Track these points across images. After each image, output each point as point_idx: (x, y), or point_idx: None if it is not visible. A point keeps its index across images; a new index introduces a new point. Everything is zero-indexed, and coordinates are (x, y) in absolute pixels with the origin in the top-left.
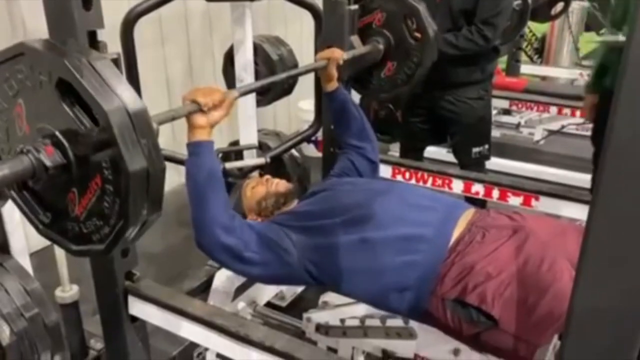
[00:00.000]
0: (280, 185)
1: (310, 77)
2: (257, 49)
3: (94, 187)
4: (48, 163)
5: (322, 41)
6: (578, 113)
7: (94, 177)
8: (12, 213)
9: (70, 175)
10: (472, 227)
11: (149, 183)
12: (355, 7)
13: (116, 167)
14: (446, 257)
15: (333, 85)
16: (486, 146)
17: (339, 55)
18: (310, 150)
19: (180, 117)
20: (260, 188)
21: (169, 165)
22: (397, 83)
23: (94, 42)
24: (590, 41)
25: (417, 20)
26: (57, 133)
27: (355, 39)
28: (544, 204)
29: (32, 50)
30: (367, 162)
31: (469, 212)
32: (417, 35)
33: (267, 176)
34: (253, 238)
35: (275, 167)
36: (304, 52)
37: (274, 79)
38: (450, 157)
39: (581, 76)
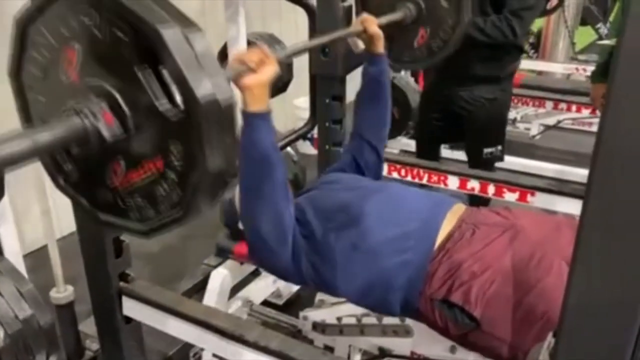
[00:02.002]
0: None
1: (306, 74)
2: (251, 47)
3: (151, 169)
4: (106, 134)
5: (316, 38)
6: (574, 108)
7: (154, 158)
8: (5, 213)
9: (125, 146)
10: (462, 223)
11: (219, 185)
12: (349, 3)
13: (190, 162)
14: (435, 256)
15: (380, 46)
16: (499, 147)
17: (371, 17)
18: (306, 148)
19: (233, 82)
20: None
21: None
22: (433, 50)
23: None
24: (586, 35)
25: None
26: (119, 98)
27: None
28: (540, 200)
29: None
30: (374, 157)
31: (458, 208)
32: None
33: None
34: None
35: None
36: None
37: (309, 45)
38: (446, 154)
39: (577, 71)
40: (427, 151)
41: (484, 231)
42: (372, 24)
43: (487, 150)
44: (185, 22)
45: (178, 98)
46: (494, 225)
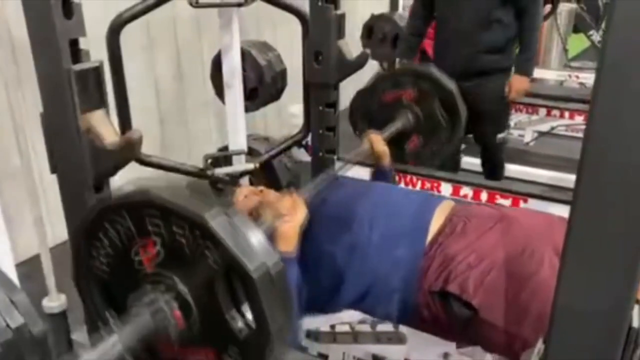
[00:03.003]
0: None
1: (299, 81)
2: (245, 55)
3: (202, 356)
4: (173, 334)
5: (309, 46)
6: (567, 114)
7: (206, 349)
8: None
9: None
10: (453, 217)
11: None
12: (341, 12)
13: None
14: (427, 251)
15: (386, 161)
16: (507, 131)
17: (377, 136)
18: (301, 155)
19: (269, 230)
20: (254, 198)
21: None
22: (422, 158)
23: (75, 50)
24: (578, 42)
25: (451, 102)
26: (192, 304)
27: (343, 44)
28: (533, 206)
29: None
30: None
31: (448, 204)
32: (447, 115)
33: (262, 187)
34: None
35: (265, 172)
36: (293, 57)
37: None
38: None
39: (570, 78)
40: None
41: (476, 223)
42: (379, 142)
43: (500, 135)
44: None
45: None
46: (485, 217)
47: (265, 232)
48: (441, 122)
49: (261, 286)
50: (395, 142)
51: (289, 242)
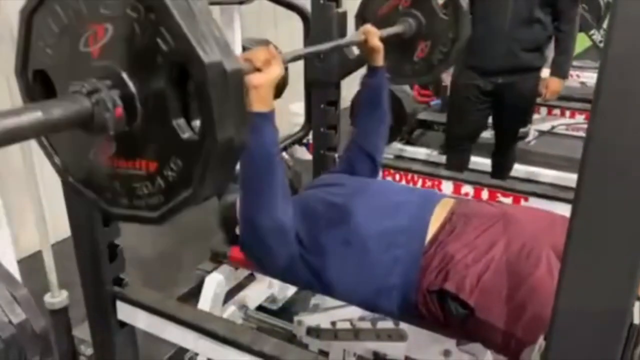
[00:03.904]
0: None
1: (301, 80)
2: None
3: (142, 168)
4: (111, 127)
5: (310, 44)
6: (568, 113)
7: (148, 160)
8: None
9: (122, 135)
10: (453, 215)
11: (229, 156)
12: (343, 9)
13: (186, 180)
14: (427, 249)
15: (379, 59)
16: (529, 126)
17: (374, 29)
18: (301, 153)
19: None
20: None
21: None
22: (434, 63)
23: None
24: (580, 41)
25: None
26: (137, 98)
27: None
28: (533, 205)
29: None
30: (371, 166)
31: (447, 201)
32: (447, 10)
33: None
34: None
35: None
36: None
37: (311, 50)
38: (440, 159)
39: (571, 77)
40: (460, 151)
41: (476, 222)
42: (374, 35)
43: (522, 130)
44: (231, 59)
45: (197, 126)
46: (485, 215)
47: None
48: (444, 19)
49: (213, 82)
50: (404, 55)
51: (263, 98)
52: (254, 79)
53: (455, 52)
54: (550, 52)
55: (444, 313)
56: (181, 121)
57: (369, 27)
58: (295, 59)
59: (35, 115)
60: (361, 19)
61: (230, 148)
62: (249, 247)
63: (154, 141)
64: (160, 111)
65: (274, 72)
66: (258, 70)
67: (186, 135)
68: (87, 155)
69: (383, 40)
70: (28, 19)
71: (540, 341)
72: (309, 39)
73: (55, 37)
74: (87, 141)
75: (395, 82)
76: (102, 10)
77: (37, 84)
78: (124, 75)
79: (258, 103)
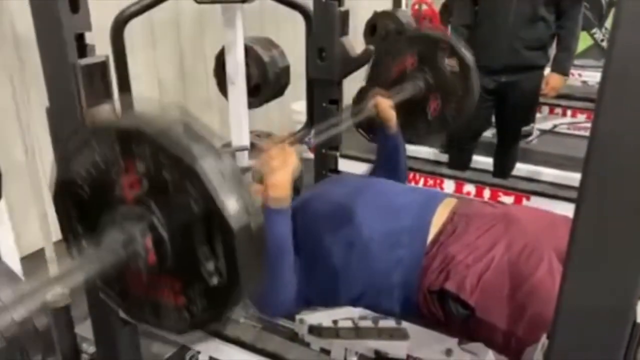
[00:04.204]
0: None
1: (303, 78)
2: (248, 51)
3: (168, 294)
4: (142, 271)
5: (312, 42)
6: (570, 112)
7: (173, 289)
8: (2, 216)
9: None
10: (455, 216)
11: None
12: (345, 8)
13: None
14: (429, 250)
15: (392, 126)
16: (532, 125)
17: (386, 97)
18: (303, 152)
19: (259, 182)
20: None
21: None
22: (448, 120)
23: (81, 45)
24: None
25: (451, 50)
26: (169, 247)
27: (346, 41)
28: (535, 204)
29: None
30: None
31: (450, 201)
32: (455, 66)
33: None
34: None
35: None
36: (296, 53)
37: (334, 132)
38: (441, 157)
39: (573, 76)
40: (462, 150)
41: (477, 222)
42: (386, 106)
43: (525, 128)
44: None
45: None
46: (487, 216)
47: (257, 178)
48: (452, 76)
49: (240, 241)
50: (418, 117)
51: (280, 195)
52: (271, 179)
53: (467, 107)
54: (553, 51)
55: (445, 313)
56: (209, 266)
57: (379, 98)
58: (305, 144)
59: (83, 271)
60: (372, 84)
61: (253, 292)
62: (258, 304)
63: (182, 279)
64: (188, 257)
65: (290, 168)
66: (275, 169)
67: (213, 281)
68: (121, 280)
69: (395, 104)
70: (66, 158)
71: (543, 340)
72: (311, 38)
73: (92, 177)
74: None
75: (410, 141)
76: (137, 164)
77: (72, 210)
78: (157, 223)
79: (275, 199)
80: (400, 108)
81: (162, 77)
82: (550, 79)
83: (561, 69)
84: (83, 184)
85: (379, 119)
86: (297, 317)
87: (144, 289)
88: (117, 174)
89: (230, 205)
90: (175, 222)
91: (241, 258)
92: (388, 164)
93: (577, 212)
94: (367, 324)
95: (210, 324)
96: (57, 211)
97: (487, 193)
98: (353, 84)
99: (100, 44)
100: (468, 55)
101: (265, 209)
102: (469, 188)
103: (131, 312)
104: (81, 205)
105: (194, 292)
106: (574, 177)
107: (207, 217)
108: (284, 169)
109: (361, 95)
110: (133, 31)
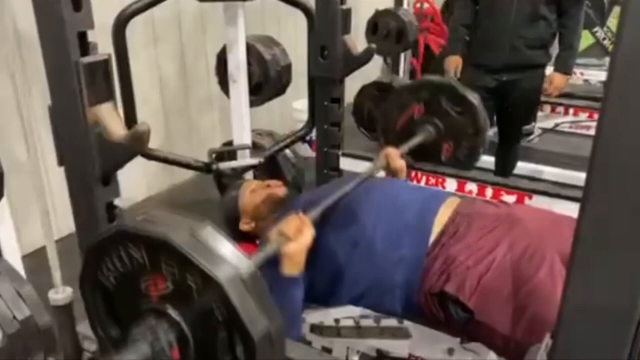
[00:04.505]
0: (281, 191)
1: (305, 77)
2: (250, 49)
3: None
4: None
5: (314, 40)
6: (572, 111)
7: None
8: (4, 214)
9: None
10: (457, 216)
11: None
12: (347, 6)
13: None
14: (430, 251)
15: (403, 176)
16: (533, 124)
17: (394, 150)
18: (305, 150)
19: (274, 255)
20: (261, 192)
21: (162, 167)
22: (461, 159)
23: (84, 43)
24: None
25: (454, 95)
26: (191, 342)
27: (348, 39)
28: (538, 203)
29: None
30: None
31: (453, 201)
32: (460, 109)
33: (269, 182)
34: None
35: (269, 167)
36: (298, 51)
37: (335, 199)
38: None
39: (575, 74)
40: None
41: (480, 223)
42: (396, 157)
43: (526, 128)
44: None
45: None
46: (489, 217)
47: (272, 254)
48: (459, 118)
49: (261, 351)
50: (432, 159)
51: (295, 265)
52: (289, 249)
53: (481, 145)
54: (555, 50)
55: (446, 315)
56: None
57: (389, 150)
58: (324, 211)
59: None
60: (383, 133)
61: None
62: None
63: None
64: (210, 356)
65: (306, 240)
66: (291, 240)
67: None
68: None
69: (407, 154)
70: (95, 248)
71: (547, 340)
72: (313, 36)
73: (118, 270)
74: None
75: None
76: (163, 267)
77: (98, 297)
78: (181, 322)
79: (291, 268)
80: (414, 156)
81: (163, 75)
82: (554, 79)
83: (564, 68)
84: (110, 275)
85: (391, 170)
86: None
87: None
88: (143, 272)
89: (252, 316)
90: (199, 325)
91: None
92: None
93: (581, 211)
94: (369, 323)
95: None
96: (84, 297)
97: (489, 192)
98: (355, 82)
99: (102, 43)
100: (472, 96)
101: (282, 279)
102: (471, 187)
103: None
104: (107, 294)
105: None
106: (576, 176)
107: (229, 323)
108: (300, 239)
109: (363, 94)
110: (135, 30)
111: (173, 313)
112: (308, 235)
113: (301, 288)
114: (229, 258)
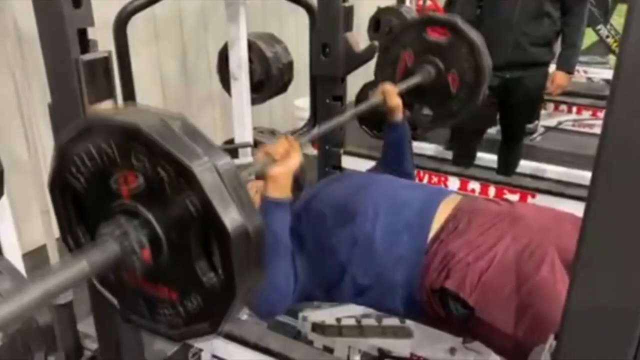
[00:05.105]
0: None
1: (306, 74)
2: (252, 47)
3: (165, 294)
4: (138, 269)
5: (316, 38)
6: (575, 109)
7: (171, 290)
8: (4, 212)
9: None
10: (458, 212)
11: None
12: (349, 3)
13: (208, 312)
14: (429, 248)
15: (398, 116)
16: (536, 122)
17: (392, 87)
18: (306, 148)
19: (259, 174)
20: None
21: None
22: (472, 84)
23: (83, 40)
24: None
25: (434, 23)
26: (165, 246)
27: (350, 36)
28: (541, 201)
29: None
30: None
31: (453, 198)
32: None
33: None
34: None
35: None
36: (299, 49)
37: (337, 123)
38: (445, 154)
39: (578, 72)
40: (467, 146)
41: (480, 219)
42: (392, 94)
43: (529, 126)
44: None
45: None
46: (490, 213)
47: (257, 176)
48: (448, 43)
49: (236, 246)
50: (442, 97)
51: (280, 187)
52: (272, 170)
53: (487, 73)
54: (558, 48)
55: (446, 312)
56: (203, 264)
57: (387, 86)
58: (315, 137)
59: (78, 267)
60: (380, 72)
61: (248, 294)
62: (254, 305)
63: (177, 276)
64: (184, 254)
65: (293, 162)
66: (278, 161)
67: (207, 279)
68: (115, 272)
69: (405, 94)
70: (63, 148)
71: (551, 341)
72: (314, 33)
73: (88, 169)
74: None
75: (446, 125)
76: (134, 162)
77: (68, 202)
78: (152, 219)
79: (275, 191)
80: (424, 95)
81: (164, 72)
82: (556, 77)
83: (567, 66)
84: (79, 175)
85: (386, 107)
86: (300, 314)
87: (138, 288)
88: (113, 168)
89: (226, 206)
90: (171, 221)
91: (237, 260)
92: (394, 156)
93: (587, 210)
94: (371, 322)
95: (206, 329)
96: (53, 202)
97: (491, 190)
98: (357, 80)
99: (102, 40)
100: (451, 18)
101: (264, 201)
102: (474, 185)
103: (126, 315)
104: (77, 197)
105: (188, 287)
106: (579, 175)
107: (202, 218)
108: (286, 161)
109: (365, 91)
110: (136, 27)
111: (144, 210)
112: (295, 158)
113: (287, 214)
114: (202, 147)
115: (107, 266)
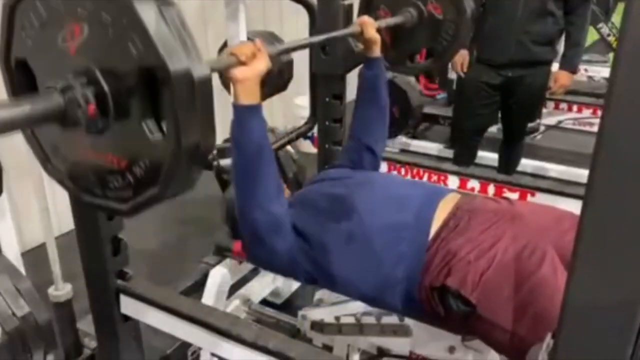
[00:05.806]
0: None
1: (306, 72)
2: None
3: (113, 162)
4: (83, 124)
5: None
6: (575, 108)
7: (119, 157)
8: (3, 211)
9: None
10: (458, 211)
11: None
12: (349, 1)
13: (154, 177)
14: (430, 246)
15: (376, 50)
16: (537, 121)
17: (371, 21)
18: (306, 147)
19: (219, 70)
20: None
21: None
22: (439, 52)
23: None
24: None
25: None
26: (110, 99)
27: None
28: (541, 200)
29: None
30: (371, 158)
31: (453, 197)
32: None
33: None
34: (288, 216)
35: None
36: None
37: (304, 42)
38: (445, 153)
39: (578, 71)
40: (468, 145)
41: (480, 218)
42: (371, 27)
43: (531, 124)
44: (200, 66)
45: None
46: (490, 211)
47: (218, 71)
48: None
49: (180, 91)
50: (429, 38)
51: (249, 92)
52: (238, 72)
53: (460, 39)
54: (561, 47)
55: (446, 310)
56: (150, 122)
57: (365, 18)
58: (284, 51)
59: (15, 110)
60: (365, 9)
61: (196, 152)
62: (247, 243)
63: (125, 139)
64: (131, 111)
65: (259, 66)
66: (243, 64)
67: (154, 137)
68: (65, 146)
69: (385, 30)
70: (11, 10)
71: (548, 340)
72: (314, 32)
73: (35, 29)
74: (65, 134)
75: (398, 72)
76: (79, 10)
77: (19, 72)
78: (98, 74)
79: (244, 96)
80: (414, 38)
81: None
82: (559, 77)
83: (570, 66)
84: (28, 40)
85: (363, 39)
86: (300, 312)
87: (88, 160)
88: (59, 23)
89: (170, 50)
90: (116, 72)
91: (181, 110)
92: (368, 94)
93: (584, 208)
94: (370, 320)
95: (156, 194)
96: (7, 74)
97: (491, 189)
98: (356, 78)
99: None
100: None
101: (236, 108)
102: (474, 184)
103: (77, 183)
104: (29, 72)
105: (136, 149)
106: (579, 173)
107: (146, 63)
108: (253, 63)
109: None
110: None
111: (90, 63)
112: (262, 62)
113: (262, 119)
114: None
115: (50, 115)
